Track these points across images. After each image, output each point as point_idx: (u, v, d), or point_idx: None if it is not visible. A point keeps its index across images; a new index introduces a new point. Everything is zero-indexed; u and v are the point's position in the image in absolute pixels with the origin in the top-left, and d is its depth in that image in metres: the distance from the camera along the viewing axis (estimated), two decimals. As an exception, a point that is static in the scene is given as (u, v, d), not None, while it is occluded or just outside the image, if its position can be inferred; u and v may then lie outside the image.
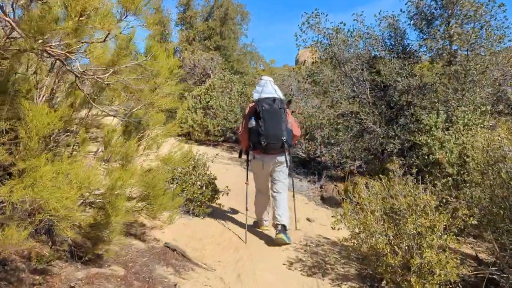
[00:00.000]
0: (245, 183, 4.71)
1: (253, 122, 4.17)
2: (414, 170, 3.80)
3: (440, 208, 3.25)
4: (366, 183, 3.93)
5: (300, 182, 7.34)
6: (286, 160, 4.36)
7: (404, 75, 6.73)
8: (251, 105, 4.39)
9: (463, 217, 3.08)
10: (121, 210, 2.76)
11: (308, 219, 5.56)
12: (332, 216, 3.64)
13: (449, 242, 3.11)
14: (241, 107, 10.99)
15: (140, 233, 3.95)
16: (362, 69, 7.41)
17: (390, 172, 4.00)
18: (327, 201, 6.45)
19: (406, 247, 3.16)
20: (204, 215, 4.91)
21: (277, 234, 4.25)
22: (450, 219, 3.07)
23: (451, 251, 3.22)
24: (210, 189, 4.99)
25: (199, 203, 4.82)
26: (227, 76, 11.52)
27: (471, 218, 3.07)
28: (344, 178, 7.44)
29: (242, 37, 20.55)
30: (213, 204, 5.14)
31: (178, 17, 19.15)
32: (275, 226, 4.34)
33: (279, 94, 4.35)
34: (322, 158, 8.61)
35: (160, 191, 3.51)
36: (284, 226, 4.26)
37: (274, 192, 4.52)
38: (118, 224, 2.97)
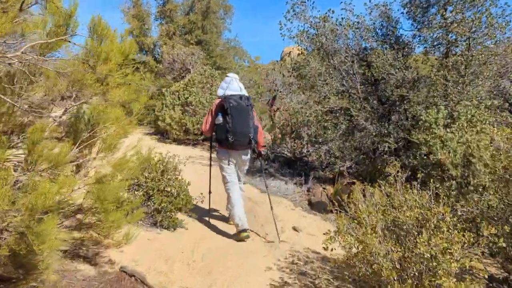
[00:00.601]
0: (208, 165, 4.82)
1: (220, 119, 4.19)
2: (420, 175, 3.18)
3: (458, 224, 2.64)
4: (364, 190, 3.32)
5: (286, 185, 6.72)
6: (250, 157, 4.57)
7: (398, 67, 6.15)
8: (217, 101, 4.34)
9: (489, 236, 2.47)
10: (49, 236, 2.08)
11: (295, 229, 4.93)
12: (324, 233, 3.00)
13: (469, 266, 2.52)
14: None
15: (92, 254, 3.26)
16: (352, 61, 6.81)
17: (390, 177, 3.41)
18: (316, 206, 5.84)
19: (417, 273, 2.55)
20: (174, 227, 4.25)
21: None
22: (472, 238, 2.46)
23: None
24: (182, 197, 4.32)
25: (168, 213, 4.16)
26: (208, 71, 10.83)
27: (501, 240, 2.46)
28: (333, 179, 6.85)
29: (225, 31, 19.85)
30: (186, 214, 4.48)
31: (157, 11, 18.32)
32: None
33: (244, 92, 4.40)
34: (309, 158, 8.02)
35: (111, 205, 2.83)
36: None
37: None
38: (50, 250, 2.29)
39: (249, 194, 6.03)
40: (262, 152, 4.81)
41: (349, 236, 2.87)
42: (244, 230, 4.23)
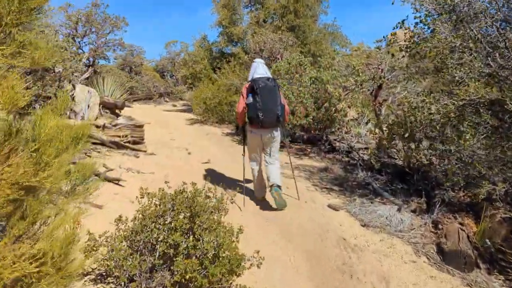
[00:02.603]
0: (242, 155, 5.21)
1: (250, 99, 4.52)
2: None
3: None
4: None
5: (399, 214, 4.64)
6: (280, 134, 4.90)
7: None
8: (247, 85, 4.69)
9: None
10: None
11: (420, 308, 2.93)
12: None
13: None
14: (314, 97, 8.42)
15: None
16: (503, 29, 4.47)
17: None
18: (451, 257, 3.70)
19: None
20: (213, 309, 2.56)
21: (274, 192, 4.71)
22: None
23: None
24: (225, 259, 2.60)
25: (200, 289, 2.47)
26: (296, 58, 8.98)
27: None
28: (472, 206, 4.61)
29: (321, 15, 17.74)
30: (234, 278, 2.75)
31: (247, -3, 16.95)
32: (271, 186, 4.80)
33: (269, 75, 4.80)
34: (431, 169, 5.78)
35: None
36: (279, 186, 4.78)
37: (268, 163, 4.93)
38: None
39: (344, 232, 4.13)
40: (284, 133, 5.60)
41: None
42: (263, 198, 5.06)
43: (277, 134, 4.80)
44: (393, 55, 5.46)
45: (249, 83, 4.62)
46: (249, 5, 17.23)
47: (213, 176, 5.93)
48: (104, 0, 12.72)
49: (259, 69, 4.74)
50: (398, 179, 6.09)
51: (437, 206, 4.63)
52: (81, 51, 12.91)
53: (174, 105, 20.57)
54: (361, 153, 8.03)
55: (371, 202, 5.12)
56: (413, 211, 4.78)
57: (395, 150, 6.43)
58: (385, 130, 6.33)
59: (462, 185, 4.63)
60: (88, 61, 12.75)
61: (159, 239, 2.57)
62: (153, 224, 2.57)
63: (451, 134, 4.61)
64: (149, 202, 2.76)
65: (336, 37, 18.02)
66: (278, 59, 11.25)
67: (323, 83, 8.33)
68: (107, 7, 12.94)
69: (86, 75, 11.71)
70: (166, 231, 2.58)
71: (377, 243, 3.91)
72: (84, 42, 12.98)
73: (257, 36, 12.25)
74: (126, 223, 2.68)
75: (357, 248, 3.76)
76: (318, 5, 16.83)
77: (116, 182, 4.85)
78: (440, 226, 4.21)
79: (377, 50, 6.32)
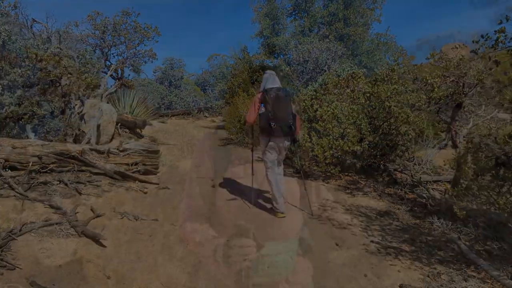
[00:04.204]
0: (252, 175, 5.43)
1: (263, 109, 4.68)
2: None
3: None
4: None
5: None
6: (290, 142, 4.94)
7: None
8: (258, 95, 4.82)
9: None
10: None
11: None
12: None
13: None
14: (369, 117, 6.81)
15: None
16: None
17: None
18: None
19: None
20: None
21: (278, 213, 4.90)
22: None
23: None
24: None
25: None
26: (347, 70, 7.41)
27: None
28: None
29: (374, 23, 16.02)
30: None
31: (291, 4, 15.56)
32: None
33: (280, 85, 4.92)
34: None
35: None
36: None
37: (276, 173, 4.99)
38: None
39: None
40: (296, 138, 5.03)
41: None
42: (281, 212, 4.90)
43: (288, 144, 4.91)
44: (497, 62, 3.80)
45: (261, 93, 4.77)
46: (293, 13, 15.85)
47: (234, 233, 4.45)
48: (136, 8, 11.77)
49: (271, 80, 4.89)
50: (493, 234, 4.37)
51: None
52: (108, 62, 12.01)
53: (213, 121, 19.46)
54: (431, 189, 6.29)
55: (465, 279, 3.44)
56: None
57: (484, 194, 4.70)
58: (470, 164, 4.64)
59: None
60: (115, 74, 11.78)
61: None
62: None
63: None
64: None
65: (390, 47, 16.22)
66: (325, 70, 9.71)
67: (380, 99, 6.71)
68: (138, 16, 11.89)
69: (112, 89, 10.69)
70: None
71: None
72: (112, 53, 12.07)
73: (301, 46, 10.79)
74: None
75: None
76: (371, 12, 15.16)
77: (97, 239, 3.49)
78: None
79: (473, 54, 4.62)
